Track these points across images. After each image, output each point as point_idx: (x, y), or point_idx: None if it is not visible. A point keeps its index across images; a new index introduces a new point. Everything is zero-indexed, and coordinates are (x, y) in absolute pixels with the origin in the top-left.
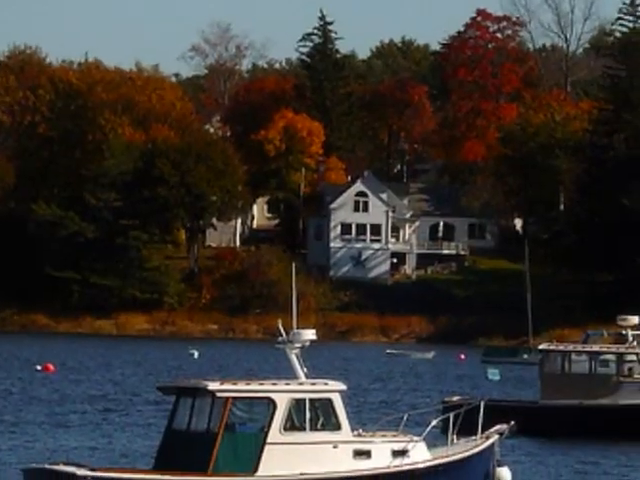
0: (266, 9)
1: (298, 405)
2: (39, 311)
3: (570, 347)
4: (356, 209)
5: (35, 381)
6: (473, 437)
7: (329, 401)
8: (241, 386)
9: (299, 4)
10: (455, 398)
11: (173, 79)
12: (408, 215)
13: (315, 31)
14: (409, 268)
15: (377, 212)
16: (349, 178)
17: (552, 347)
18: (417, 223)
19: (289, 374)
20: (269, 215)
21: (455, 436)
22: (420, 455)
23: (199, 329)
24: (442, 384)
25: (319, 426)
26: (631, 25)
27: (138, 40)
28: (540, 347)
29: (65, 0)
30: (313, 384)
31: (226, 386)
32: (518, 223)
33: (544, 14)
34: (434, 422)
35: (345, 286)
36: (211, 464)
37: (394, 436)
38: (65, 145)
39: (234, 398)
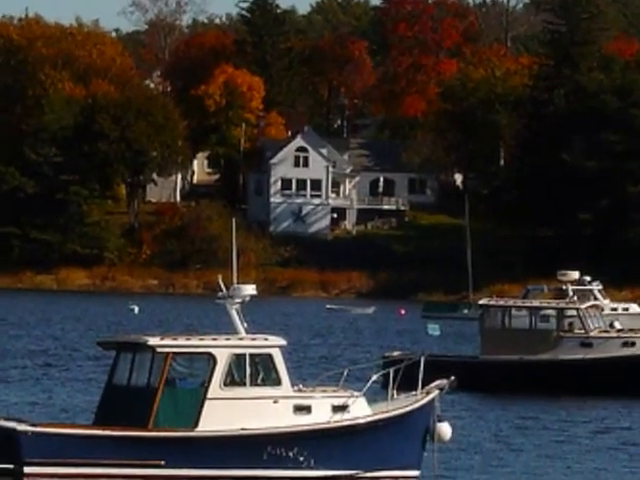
0: None
1: (238, 360)
2: None
3: (510, 302)
4: (296, 164)
5: None
6: (413, 392)
7: (269, 356)
8: (181, 341)
9: None
10: (395, 353)
11: (113, 34)
12: (348, 170)
13: None
14: (349, 223)
15: (317, 167)
16: (289, 133)
17: (492, 302)
18: (357, 178)
19: (229, 329)
20: (209, 170)
21: (395, 391)
22: (360, 410)
23: (139, 284)
24: (382, 339)
25: (259, 381)
26: None
27: None
28: (480, 302)
29: None
30: (253, 339)
31: (166, 341)
32: (458, 178)
33: None
34: (374, 377)
35: (285, 241)
36: (151, 419)
37: (334, 391)
38: (5, 100)
39: (174, 353)
